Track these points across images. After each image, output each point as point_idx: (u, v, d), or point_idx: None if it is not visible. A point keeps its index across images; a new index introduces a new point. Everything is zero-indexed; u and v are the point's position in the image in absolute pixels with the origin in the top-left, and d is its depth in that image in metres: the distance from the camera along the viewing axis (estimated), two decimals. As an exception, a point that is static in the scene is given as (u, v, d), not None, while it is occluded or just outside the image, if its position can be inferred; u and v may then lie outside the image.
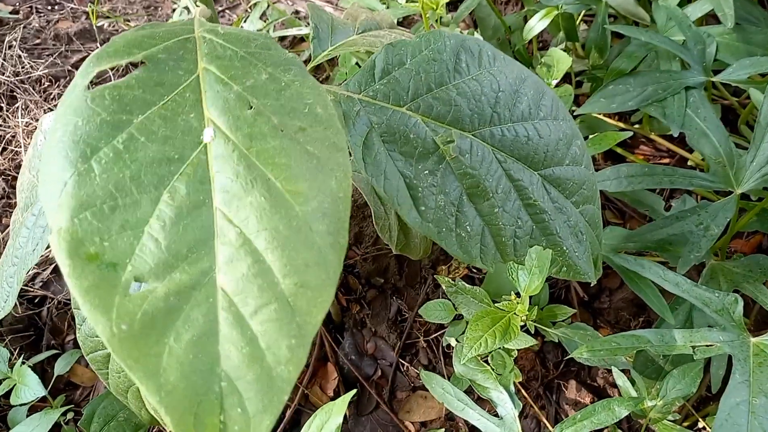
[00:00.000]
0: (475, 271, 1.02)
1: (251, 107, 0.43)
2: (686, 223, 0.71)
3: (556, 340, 0.83)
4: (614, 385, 0.93)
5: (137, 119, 0.41)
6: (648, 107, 0.78)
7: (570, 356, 0.96)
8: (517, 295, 0.73)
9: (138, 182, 0.39)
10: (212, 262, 0.38)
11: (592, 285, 0.82)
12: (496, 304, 0.74)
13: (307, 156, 0.43)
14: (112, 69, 0.44)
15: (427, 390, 1.01)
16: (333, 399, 0.98)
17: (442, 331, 0.99)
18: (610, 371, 0.93)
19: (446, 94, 0.59)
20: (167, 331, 0.36)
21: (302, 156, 0.43)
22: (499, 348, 0.72)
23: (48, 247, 0.97)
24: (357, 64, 1.03)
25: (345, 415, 0.96)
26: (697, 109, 0.75)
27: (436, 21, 0.97)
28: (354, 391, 0.67)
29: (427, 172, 0.58)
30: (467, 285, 0.77)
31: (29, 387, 0.80)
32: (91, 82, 0.42)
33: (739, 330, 0.63)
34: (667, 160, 1.07)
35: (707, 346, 0.63)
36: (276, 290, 0.38)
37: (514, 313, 0.71)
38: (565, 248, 0.61)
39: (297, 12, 1.40)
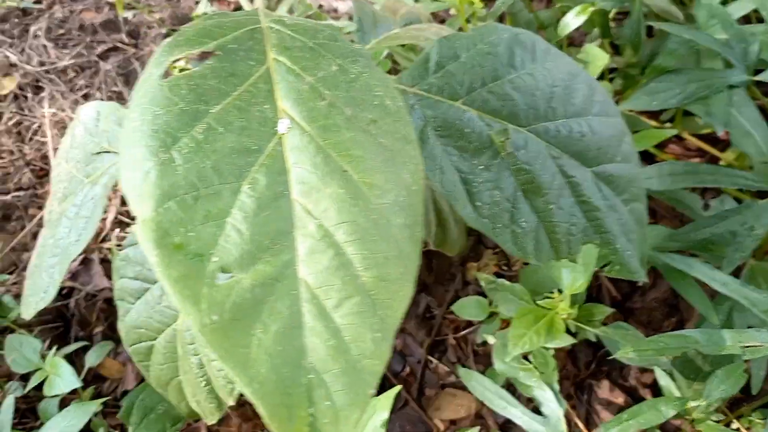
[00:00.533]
0: (505, 268, 1.02)
1: (324, 99, 0.43)
2: (730, 223, 0.71)
3: (594, 339, 0.82)
4: (647, 386, 0.93)
5: (214, 109, 0.41)
6: (690, 105, 0.78)
7: (601, 356, 0.96)
8: (559, 292, 0.73)
9: (219, 172, 0.38)
10: (293, 254, 0.38)
11: (640, 283, 0.81)
12: (536, 302, 0.74)
13: (381, 148, 0.42)
14: (181, 60, 0.44)
15: (457, 387, 1.00)
16: (362, 395, 0.98)
17: (472, 328, 0.99)
18: (643, 371, 0.93)
19: (501, 88, 0.59)
20: (255, 323, 0.35)
21: (376, 148, 0.42)
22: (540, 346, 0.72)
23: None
24: (388, 56, 1.03)
25: (374, 411, 0.96)
26: (740, 108, 0.75)
27: (470, 16, 0.97)
28: (398, 387, 0.67)
29: (482, 167, 0.57)
30: (506, 282, 0.77)
31: (63, 378, 0.79)
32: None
33: (788, 331, 0.62)
34: (697, 160, 1.07)
35: (755, 346, 0.63)
36: (357, 283, 0.38)
37: (556, 312, 0.71)
38: (617, 246, 0.61)
39: (320, 6, 1.40)
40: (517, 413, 0.69)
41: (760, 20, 0.96)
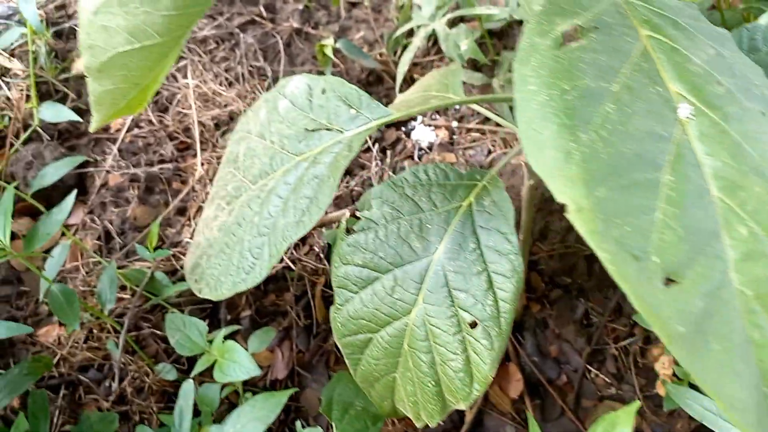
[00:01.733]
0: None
1: (721, 84, 0.38)
2: None
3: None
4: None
5: (614, 87, 0.36)
6: None
7: None
8: None
9: (640, 159, 0.33)
10: (724, 259, 0.33)
11: None
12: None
13: (781, 145, 0.37)
14: (569, 29, 0.39)
15: (615, 400, 0.95)
16: (516, 401, 0.93)
17: (634, 338, 0.94)
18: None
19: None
20: (711, 336, 0.30)
21: (777, 144, 0.37)
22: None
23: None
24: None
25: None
26: None
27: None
28: (637, 403, 0.61)
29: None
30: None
31: (240, 365, 0.75)
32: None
33: None
34: None
35: None
36: (798, 298, 0.33)
37: None
38: None
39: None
40: (751, 439, 0.63)
41: None
